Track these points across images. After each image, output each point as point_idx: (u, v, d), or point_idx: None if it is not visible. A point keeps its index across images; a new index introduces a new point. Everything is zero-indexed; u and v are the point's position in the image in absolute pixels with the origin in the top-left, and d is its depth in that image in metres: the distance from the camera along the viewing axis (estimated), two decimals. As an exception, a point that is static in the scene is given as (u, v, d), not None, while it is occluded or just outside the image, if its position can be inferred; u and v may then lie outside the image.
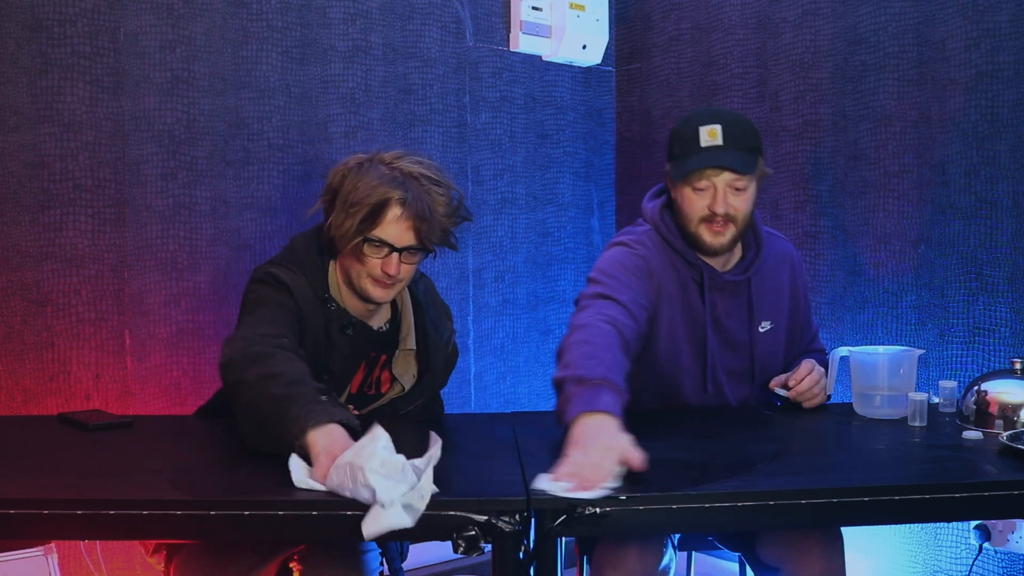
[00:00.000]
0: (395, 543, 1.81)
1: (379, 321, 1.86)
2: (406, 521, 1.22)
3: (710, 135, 1.85)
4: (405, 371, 1.88)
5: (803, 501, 1.33)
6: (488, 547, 1.27)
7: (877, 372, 1.85)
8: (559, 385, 1.58)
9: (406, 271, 1.76)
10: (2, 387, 2.22)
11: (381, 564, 1.73)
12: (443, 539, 1.26)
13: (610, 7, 3.26)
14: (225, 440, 1.72)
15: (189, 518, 1.27)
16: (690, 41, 3.16)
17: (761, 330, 2.00)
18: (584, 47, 3.18)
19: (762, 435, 1.77)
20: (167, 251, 2.44)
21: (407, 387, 1.88)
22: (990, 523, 2.31)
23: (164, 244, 2.43)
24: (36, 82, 2.23)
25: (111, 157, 2.34)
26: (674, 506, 1.31)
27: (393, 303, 1.88)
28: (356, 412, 1.70)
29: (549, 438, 1.71)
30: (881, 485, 1.36)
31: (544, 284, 3.25)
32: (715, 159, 1.84)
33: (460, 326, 2.99)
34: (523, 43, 3.09)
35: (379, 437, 1.28)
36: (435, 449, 1.27)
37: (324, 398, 1.45)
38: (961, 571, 2.42)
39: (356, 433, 1.38)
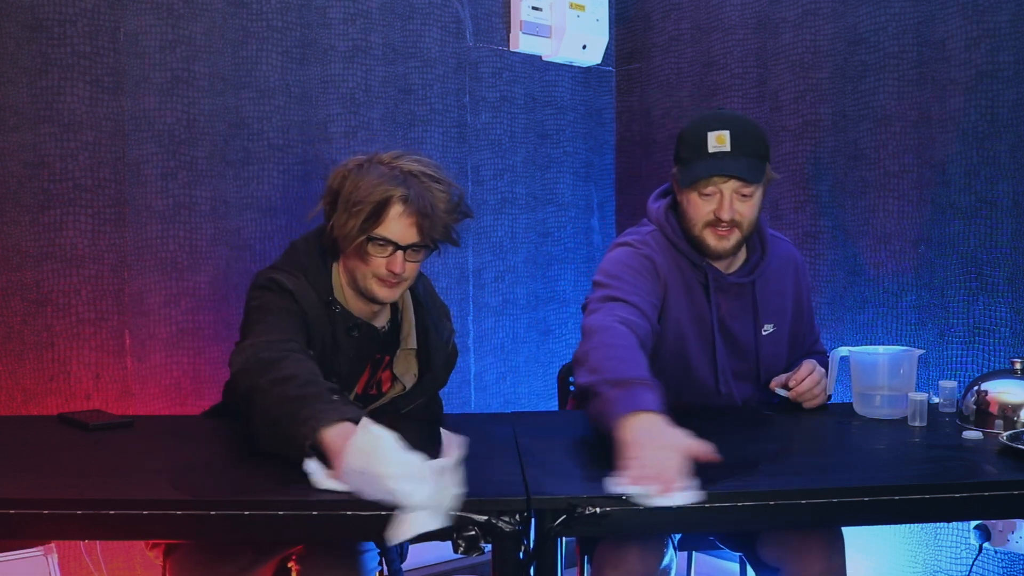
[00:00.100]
0: (394, 544, 1.81)
1: (380, 321, 1.87)
2: (435, 523, 1.21)
3: (718, 141, 1.84)
4: (406, 370, 1.89)
5: (803, 501, 1.33)
6: (488, 547, 1.27)
7: (877, 372, 1.85)
8: (590, 390, 1.56)
9: (411, 269, 1.77)
10: (2, 387, 2.22)
11: (380, 564, 1.73)
12: (443, 539, 1.26)
13: (610, 7, 3.26)
14: (225, 440, 1.72)
15: (189, 518, 1.27)
16: (690, 41, 3.16)
17: (764, 333, 2.00)
18: (584, 47, 3.18)
19: (762, 435, 1.77)
20: (167, 251, 2.44)
21: (408, 386, 1.88)
22: (990, 523, 2.31)
23: (164, 244, 2.43)
24: (36, 82, 2.23)
25: (111, 157, 2.34)
26: (674, 506, 1.31)
27: (393, 303, 1.89)
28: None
29: (549, 438, 1.72)
30: (881, 485, 1.36)
31: (544, 284, 3.25)
32: (723, 167, 1.83)
33: (460, 326, 2.99)
34: (523, 43, 3.09)
35: (382, 437, 1.27)
36: (458, 449, 1.28)
37: (336, 397, 1.46)
38: (961, 571, 2.42)
39: None
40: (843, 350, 1.92)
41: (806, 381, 1.90)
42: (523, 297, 3.19)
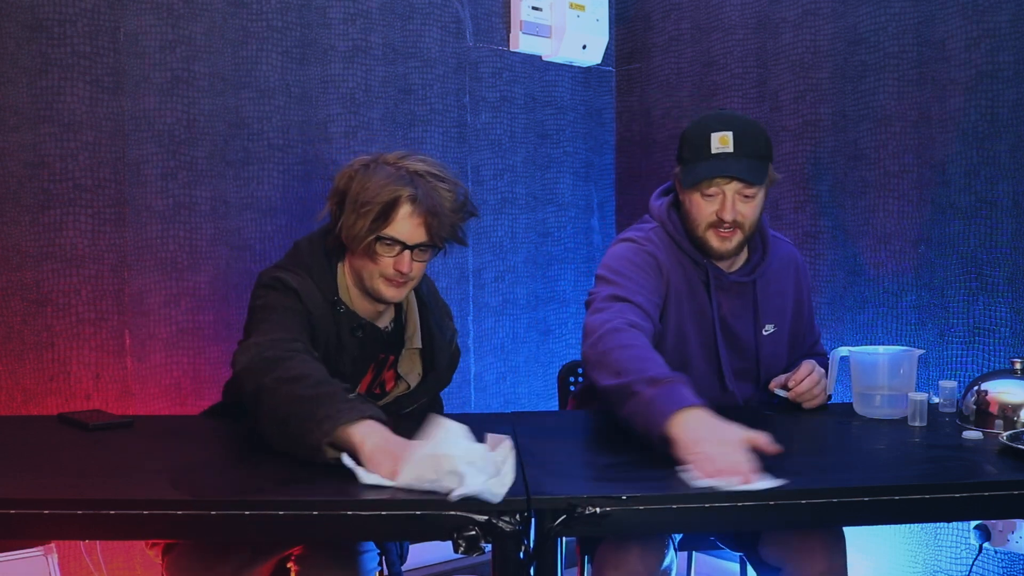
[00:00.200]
0: (394, 545, 1.81)
1: (384, 322, 1.87)
2: (494, 499, 1.26)
3: (721, 142, 1.84)
4: (410, 370, 1.89)
5: (803, 501, 1.33)
6: (488, 547, 1.27)
7: (877, 372, 1.85)
8: (624, 390, 1.57)
9: (418, 269, 1.77)
10: (2, 387, 2.22)
11: (379, 565, 1.73)
12: (443, 539, 1.26)
13: (610, 7, 3.26)
14: (225, 440, 1.72)
15: (189, 518, 1.27)
16: (690, 41, 3.16)
17: (765, 333, 2.00)
18: (584, 47, 3.18)
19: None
20: (167, 251, 2.44)
21: (412, 385, 1.88)
22: (990, 523, 2.31)
23: (164, 244, 2.43)
24: (36, 82, 2.23)
25: (111, 157, 2.34)
26: (674, 506, 1.31)
27: (397, 303, 1.89)
28: None
29: (549, 438, 1.72)
30: (881, 485, 1.36)
31: (544, 284, 3.25)
32: (725, 168, 1.83)
33: (460, 326, 2.99)
34: (523, 43, 3.09)
35: (455, 428, 1.31)
36: (508, 442, 1.32)
37: (352, 396, 1.47)
38: (961, 571, 2.42)
39: (389, 428, 1.41)
40: (843, 350, 1.92)
41: (805, 381, 1.90)
42: (523, 297, 3.19)
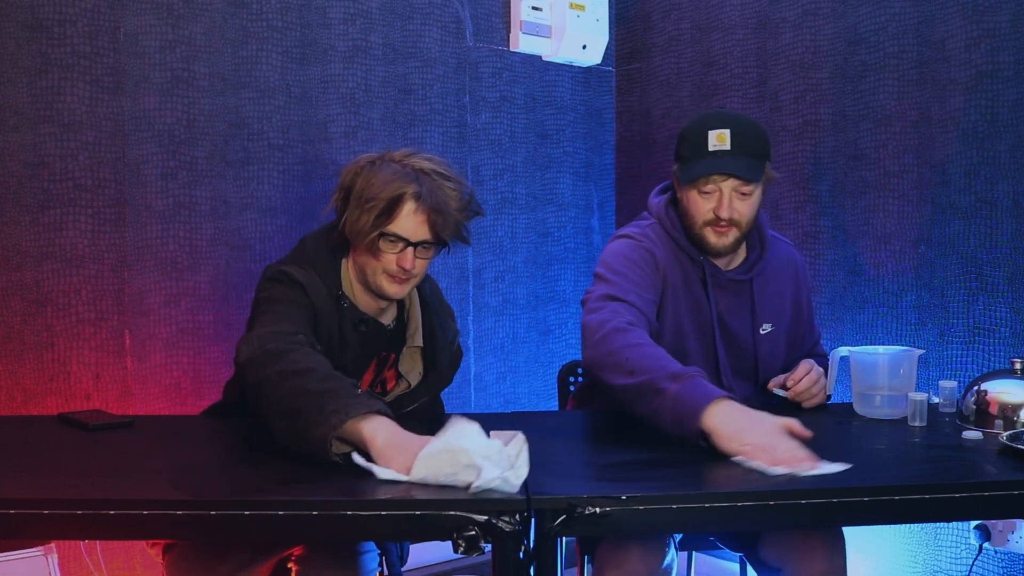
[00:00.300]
0: (395, 545, 1.81)
1: (387, 319, 1.88)
2: (511, 490, 1.28)
3: (719, 140, 1.85)
4: (411, 368, 1.90)
5: (803, 501, 1.33)
6: (488, 547, 1.27)
7: (877, 372, 1.85)
8: (646, 388, 1.59)
9: (421, 266, 1.78)
10: (2, 387, 2.22)
11: (380, 565, 1.73)
12: (443, 539, 1.26)
13: (610, 7, 3.26)
14: (225, 440, 1.72)
15: (189, 518, 1.27)
16: (690, 41, 3.16)
17: (763, 332, 2.00)
18: (584, 47, 3.18)
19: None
20: (167, 251, 2.44)
21: (413, 384, 1.89)
22: (990, 523, 2.31)
23: (164, 244, 2.43)
24: (36, 82, 2.23)
25: (111, 157, 2.34)
26: (674, 506, 1.31)
27: (400, 300, 1.90)
28: None
29: (549, 438, 1.71)
30: (881, 485, 1.36)
31: (544, 284, 3.25)
32: (722, 165, 1.84)
33: (460, 326, 2.98)
34: (523, 43, 3.09)
35: (467, 425, 1.33)
36: (520, 436, 1.34)
37: (359, 392, 1.47)
38: (961, 571, 2.42)
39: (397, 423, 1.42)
40: (843, 350, 1.92)
41: (804, 381, 1.90)
42: (523, 297, 3.19)
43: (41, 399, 2.27)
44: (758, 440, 1.45)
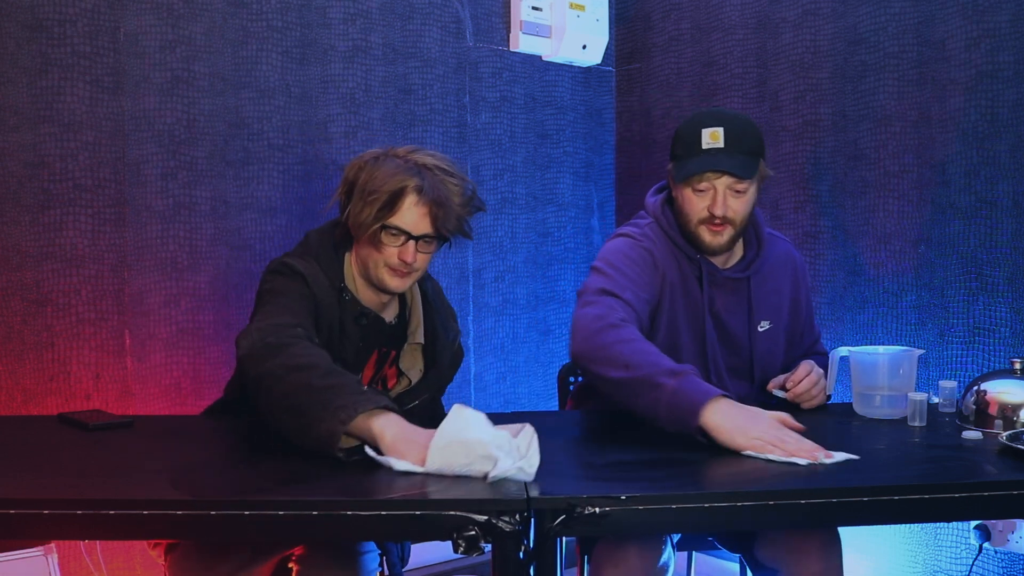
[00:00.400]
0: (395, 545, 1.81)
1: (389, 315, 1.89)
2: (525, 478, 1.32)
3: (712, 137, 1.85)
4: (412, 365, 1.90)
5: (802, 501, 1.33)
6: (488, 547, 1.27)
7: (877, 372, 1.85)
8: (643, 382, 1.61)
9: (422, 260, 1.79)
10: (2, 387, 2.22)
11: (380, 565, 1.73)
12: (443, 539, 1.26)
13: (610, 7, 3.26)
14: (225, 440, 1.72)
15: (189, 518, 1.27)
16: (690, 41, 3.16)
17: (760, 330, 2.00)
18: (584, 47, 3.18)
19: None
20: (167, 251, 2.44)
21: (414, 381, 1.89)
22: (990, 523, 2.31)
23: (164, 244, 2.43)
24: (36, 82, 2.23)
25: (111, 157, 2.34)
26: (674, 506, 1.31)
27: (402, 297, 1.91)
28: None
29: (549, 438, 1.71)
30: (881, 485, 1.36)
31: (544, 284, 3.25)
32: (716, 163, 1.85)
33: (460, 326, 2.99)
34: (523, 43, 3.09)
35: (475, 416, 1.35)
36: (529, 427, 1.36)
37: (365, 388, 1.48)
38: (961, 571, 2.42)
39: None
40: (843, 350, 1.92)
41: (804, 382, 1.90)
42: (523, 297, 3.20)
43: (41, 399, 2.27)
44: (764, 434, 1.49)
